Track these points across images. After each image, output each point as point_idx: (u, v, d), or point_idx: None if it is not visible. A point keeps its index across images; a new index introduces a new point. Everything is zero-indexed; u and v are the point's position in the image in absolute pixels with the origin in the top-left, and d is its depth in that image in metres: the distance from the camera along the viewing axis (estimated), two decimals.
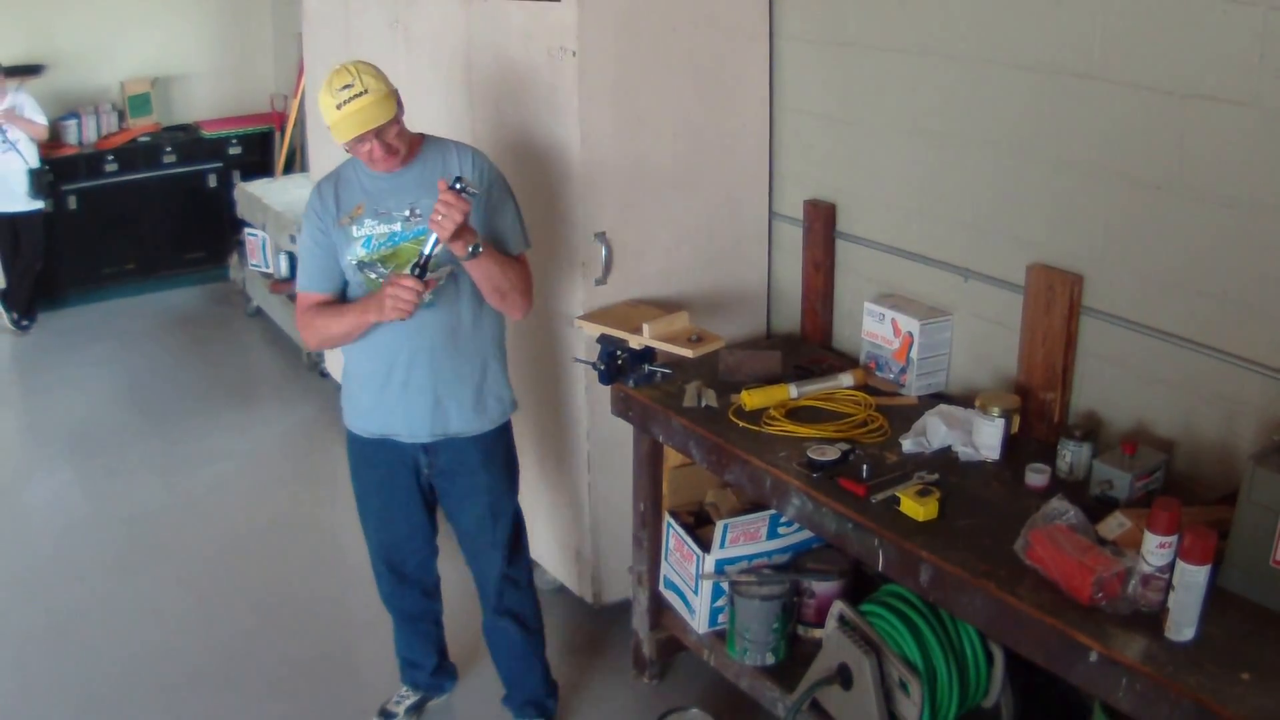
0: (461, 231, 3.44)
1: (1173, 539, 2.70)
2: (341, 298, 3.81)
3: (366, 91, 3.48)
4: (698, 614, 4.17)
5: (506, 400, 3.99)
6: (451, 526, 4.10)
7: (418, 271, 3.49)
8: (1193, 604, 2.66)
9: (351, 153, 3.64)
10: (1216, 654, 2.64)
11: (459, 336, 3.80)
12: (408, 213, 3.67)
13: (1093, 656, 2.68)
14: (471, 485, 3.96)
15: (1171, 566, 2.68)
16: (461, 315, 3.78)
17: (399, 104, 3.60)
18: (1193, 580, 2.63)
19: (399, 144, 3.62)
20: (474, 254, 3.52)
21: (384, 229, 3.68)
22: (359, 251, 3.70)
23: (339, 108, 3.48)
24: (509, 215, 3.82)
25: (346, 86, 3.47)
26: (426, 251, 3.49)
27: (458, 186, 3.42)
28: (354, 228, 3.70)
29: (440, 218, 3.39)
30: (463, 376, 3.84)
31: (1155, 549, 2.72)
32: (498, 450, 3.98)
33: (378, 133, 3.54)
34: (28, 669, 4.79)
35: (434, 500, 4.07)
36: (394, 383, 3.82)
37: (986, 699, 3.56)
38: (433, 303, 3.68)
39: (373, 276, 3.71)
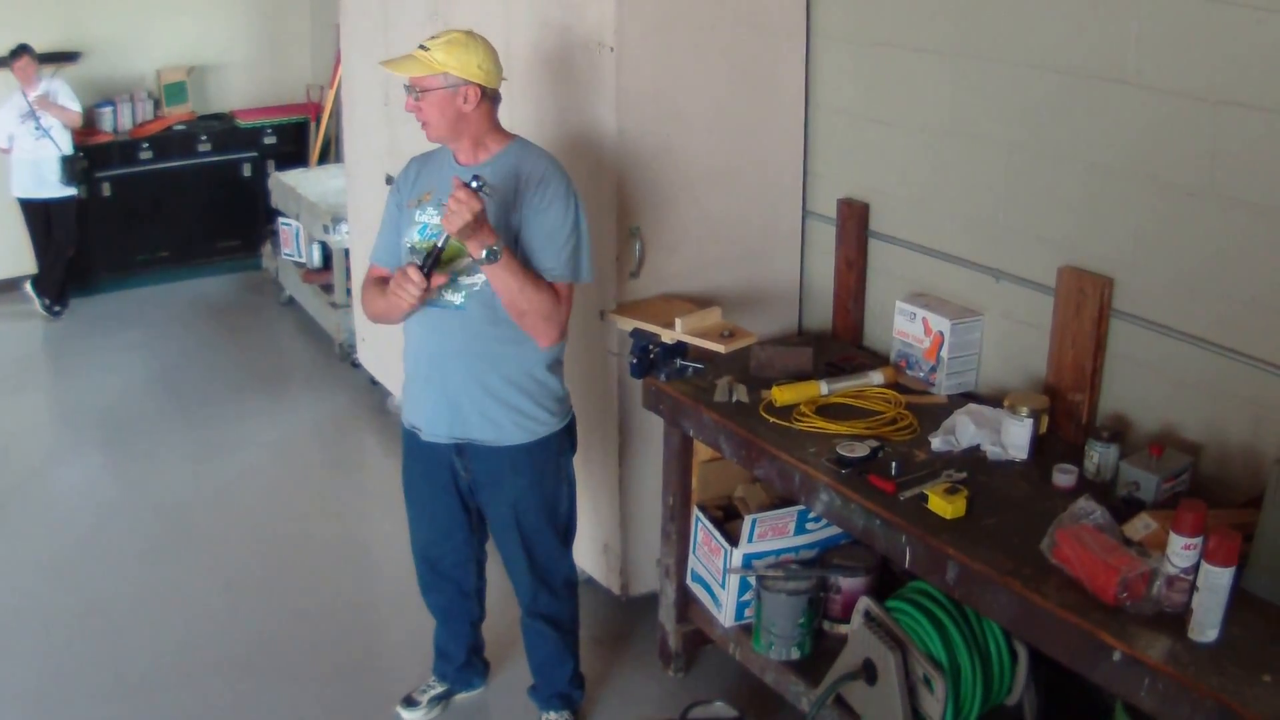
0: (477, 232, 3.38)
1: (1198, 540, 2.71)
2: None
3: (425, 50, 3.53)
4: (724, 608, 4.19)
5: (545, 419, 3.83)
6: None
7: (424, 264, 3.51)
8: (1216, 605, 2.68)
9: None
10: (1239, 656, 2.66)
11: (490, 346, 3.70)
12: None
13: (1116, 656, 2.71)
14: (496, 494, 3.90)
15: (1196, 568, 2.70)
16: (496, 326, 3.66)
17: (447, 85, 3.54)
18: (1217, 582, 2.65)
19: (429, 117, 3.60)
20: (488, 259, 3.43)
21: (439, 221, 3.57)
22: (414, 236, 3.72)
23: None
24: (555, 237, 3.64)
25: (432, 38, 3.58)
26: (439, 245, 3.50)
27: (474, 185, 3.36)
28: (417, 212, 3.73)
29: (449, 213, 3.34)
30: (489, 387, 3.73)
31: (1180, 550, 2.73)
32: (528, 464, 3.84)
33: (409, 88, 3.58)
34: (56, 653, 4.79)
35: (476, 505, 4.02)
36: (419, 378, 3.84)
37: (1010, 697, 3.57)
38: (463, 306, 3.64)
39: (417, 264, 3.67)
